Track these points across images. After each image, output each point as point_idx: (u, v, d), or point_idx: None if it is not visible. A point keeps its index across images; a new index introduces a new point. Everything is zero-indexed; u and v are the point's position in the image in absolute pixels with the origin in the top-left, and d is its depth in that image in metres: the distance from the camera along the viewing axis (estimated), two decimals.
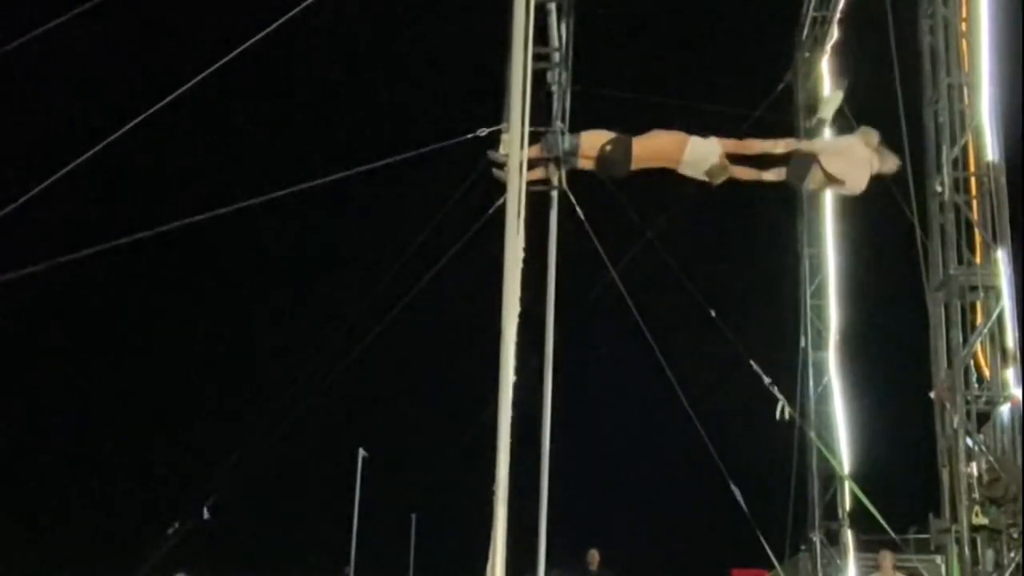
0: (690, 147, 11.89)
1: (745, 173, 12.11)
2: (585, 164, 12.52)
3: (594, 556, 19.30)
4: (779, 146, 12.08)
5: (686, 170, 12.04)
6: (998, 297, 16.18)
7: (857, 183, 12.03)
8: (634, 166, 12.15)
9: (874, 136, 12.06)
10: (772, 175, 12.11)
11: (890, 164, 12.13)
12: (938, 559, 19.37)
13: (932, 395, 16.53)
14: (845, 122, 21.33)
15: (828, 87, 22.98)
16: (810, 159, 11.99)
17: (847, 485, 21.37)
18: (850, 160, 11.96)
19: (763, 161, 12.12)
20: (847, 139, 12.31)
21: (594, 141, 12.32)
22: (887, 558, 18.96)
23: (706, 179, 12.02)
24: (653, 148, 12.08)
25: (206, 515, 14.74)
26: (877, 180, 12.12)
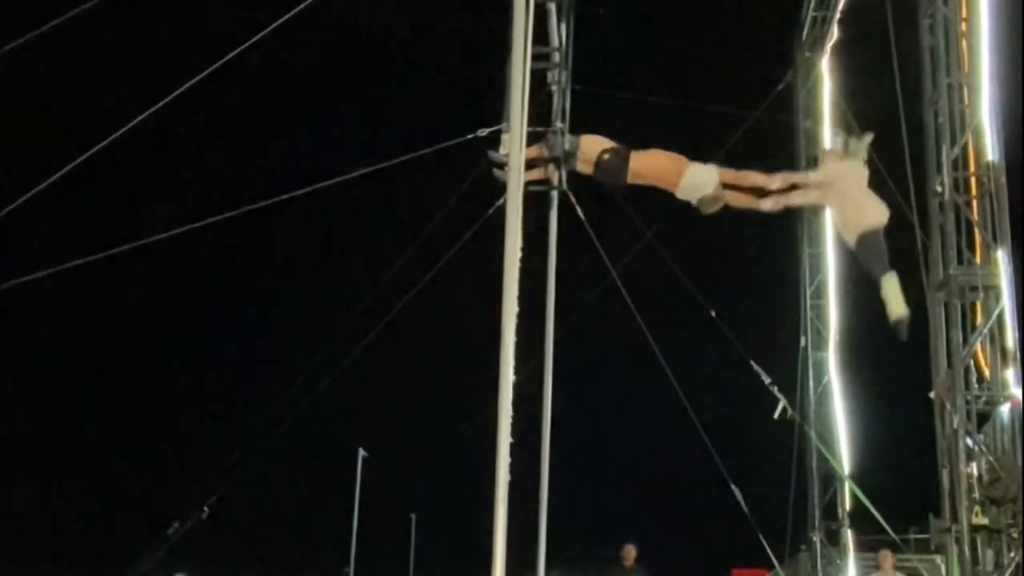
0: (689, 173, 11.88)
1: (741, 200, 12.11)
2: (583, 168, 12.51)
3: (630, 552, 19.09)
4: (775, 182, 12.06)
5: (682, 195, 12.02)
6: (998, 297, 16.19)
7: (874, 216, 12.00)
8: (629, 180, 12.13)
9: (864, 147, 12.09)
10: (769, 204, 12.10)
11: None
12: (938, 559, 19.38)
13: (932, 395, 16.54)
14: (845, 123, 21.40)
15: (828, 88, 23.03)
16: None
17: (847, 485, 21.39)
18: (854, 195, 11.99)
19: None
20: (842, 167, 12.19)
21: (593, 146, 12.31)
22: (887, 558, 18.97)
23: (698, 207, 12.01)
24: (651, 167, 12.06)
25: (205, 514, 14.75)
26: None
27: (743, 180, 12.04)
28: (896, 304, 11.69)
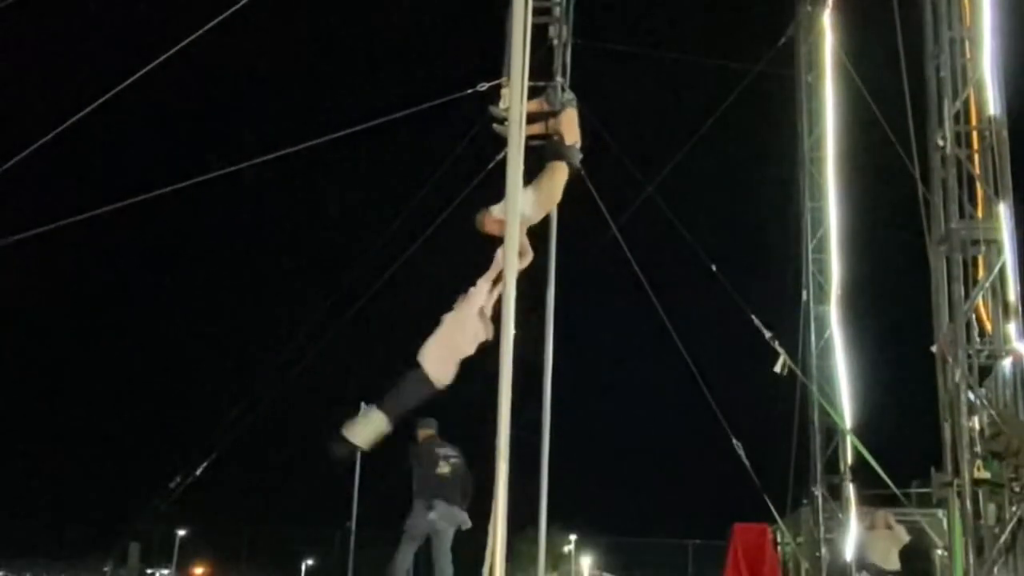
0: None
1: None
2: (551, 129, 12.37)
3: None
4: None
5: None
6: (1000, 251, 16.17)
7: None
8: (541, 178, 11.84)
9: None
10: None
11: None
12: (940, 513, 19.48)
13: (934, 349, 16.54)
14: (849, 79, 21.41)
15: (830, 42, 22.98)
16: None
17: (849, 439, 21.41)
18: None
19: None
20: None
21: (566, 124, 12.23)
22: (881, 518, 19.07)
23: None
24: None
25: (198, 472, 14.80)
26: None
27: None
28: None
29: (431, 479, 14.34)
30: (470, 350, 10.79)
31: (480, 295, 10.81)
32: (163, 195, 13.00)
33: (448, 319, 10.91)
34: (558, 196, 11.83)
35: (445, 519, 14.15)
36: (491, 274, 10.77)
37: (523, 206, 10.02)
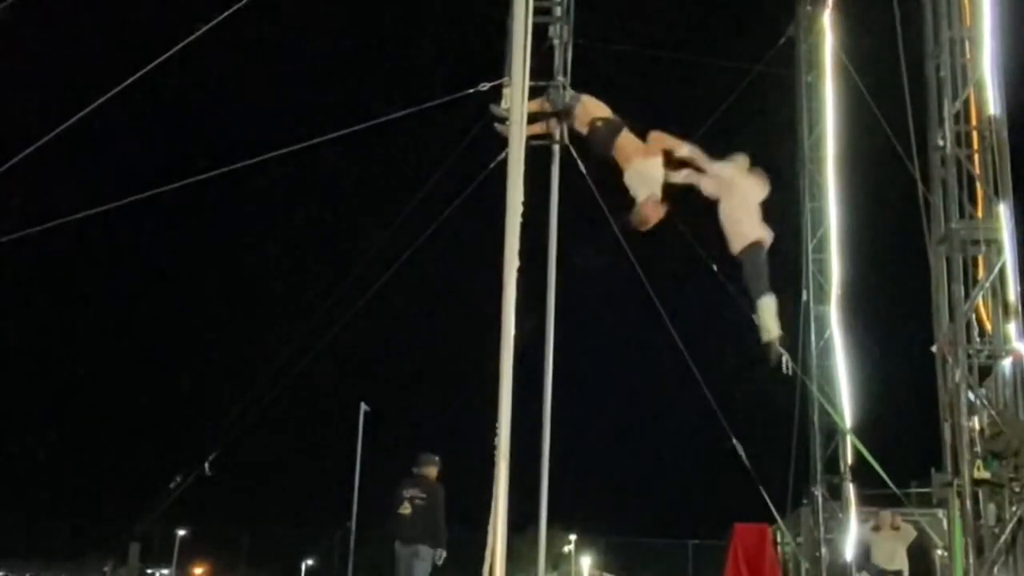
0: (650, 163, 11.88)
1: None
2: (580, 128, 12.53)
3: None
4: (683, 149, 12.12)
5: (627, 180, 12.01)
6: (1000, 251, 16.19)
7: (760, 232, 12.07)
8: (613, 153, 12.12)
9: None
10: (680, 177, 12.18)
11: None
12: (940, 513, 19.47)
13: (934, 349, 16.55)
14: (849, 79, 21.40)
15: (830, 42, 22.99)
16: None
17: (849, 439, 21.41)
18: (747, 205, 12.05)
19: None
20: (742, 177, 12.20)
21: (592, 110, 12.34)
22: (887, 518, 19.09)
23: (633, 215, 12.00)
24: (631, 147, 12.04)
25: (207, 471, 14.80)
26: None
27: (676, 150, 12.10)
28: (768, 327, 11.87)
29: (393, 519, 14.82)
30: (752, 211, 11.99)
31: (687, 147, 12.02)
32: (163, 193, 13.02)
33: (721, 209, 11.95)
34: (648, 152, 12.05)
35: (402, 559, 14.57)
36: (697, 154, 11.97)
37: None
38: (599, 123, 12.19)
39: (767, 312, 11.84)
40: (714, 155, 12.20)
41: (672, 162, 12.03)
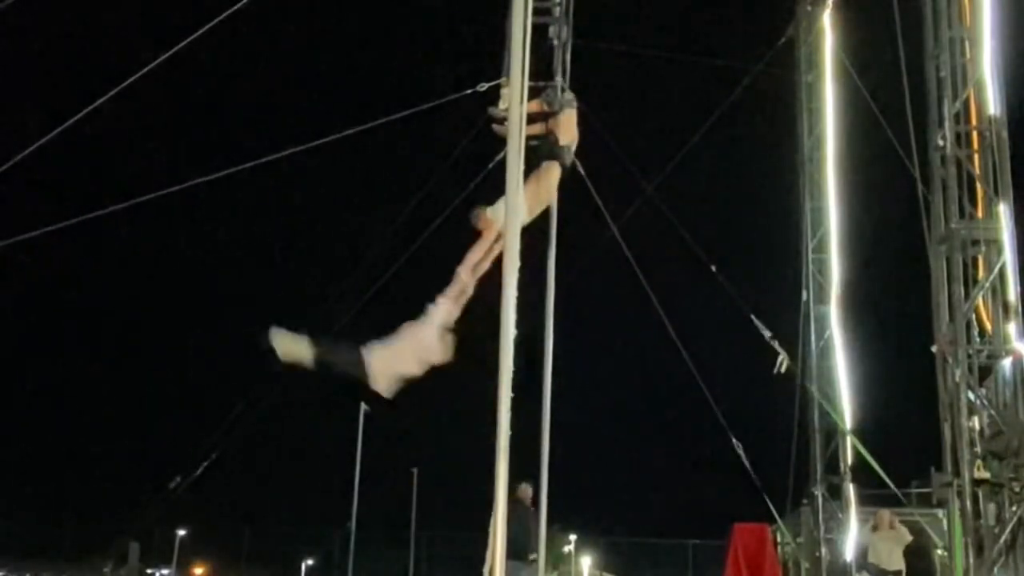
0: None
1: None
2: (553, 129, 12.33)
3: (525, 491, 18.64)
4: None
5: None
6: (1000, 251, 16.18)
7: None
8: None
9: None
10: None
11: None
12: (940, 513, 19.47)
13: (934, 349, 16.54)
14: (849, 79, 21.42)
15: (830, 42, 22.99)
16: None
17: (849, 440, 21.41)
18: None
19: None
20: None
21: (563, 129, 12.21)
22: (885, 517, 19.10)
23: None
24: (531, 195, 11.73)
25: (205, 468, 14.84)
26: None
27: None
28: None
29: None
30: (418, 371, 10.49)
31: (440, 313, 10.50)
32: (164, 195, 13.03)
33: (407, 332, 10.49)
34: (550, 196, 11.80)
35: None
36: (452, 291, 10.59)
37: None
38: (555, 145, 11.95)
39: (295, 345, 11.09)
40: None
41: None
